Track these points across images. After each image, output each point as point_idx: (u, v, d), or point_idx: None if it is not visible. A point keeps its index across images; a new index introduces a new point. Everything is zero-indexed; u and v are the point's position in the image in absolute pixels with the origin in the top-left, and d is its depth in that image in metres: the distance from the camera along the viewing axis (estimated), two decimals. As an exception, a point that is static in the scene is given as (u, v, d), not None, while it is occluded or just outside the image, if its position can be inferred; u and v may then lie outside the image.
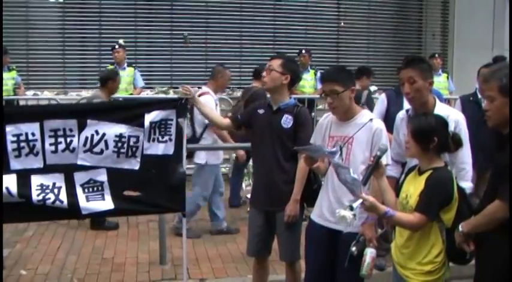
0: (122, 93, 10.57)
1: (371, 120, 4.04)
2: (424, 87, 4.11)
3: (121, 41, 12.40)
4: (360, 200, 3.39)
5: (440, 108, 4.23)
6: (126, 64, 10.94)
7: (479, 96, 6.42)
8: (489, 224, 3.29)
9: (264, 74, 4.69)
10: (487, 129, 3.95)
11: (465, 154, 4.14)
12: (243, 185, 9.47)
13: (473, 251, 3.47)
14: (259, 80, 7.38)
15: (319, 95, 4.14)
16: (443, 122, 3.65)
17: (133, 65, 11.11)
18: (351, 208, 3.36)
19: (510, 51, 8.15)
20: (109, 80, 7.41)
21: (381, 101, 5.98)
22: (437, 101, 4.29)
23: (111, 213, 4.84)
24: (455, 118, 4.15)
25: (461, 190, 3.62)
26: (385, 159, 3.89)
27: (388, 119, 5.22)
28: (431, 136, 3.52)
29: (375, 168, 3.58)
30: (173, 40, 13.05)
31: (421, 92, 4.12)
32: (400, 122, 4.43)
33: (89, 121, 4.51)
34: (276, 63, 4.64)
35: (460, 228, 3.41)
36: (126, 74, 10.85)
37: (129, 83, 10.89)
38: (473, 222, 3.40)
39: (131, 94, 10.72)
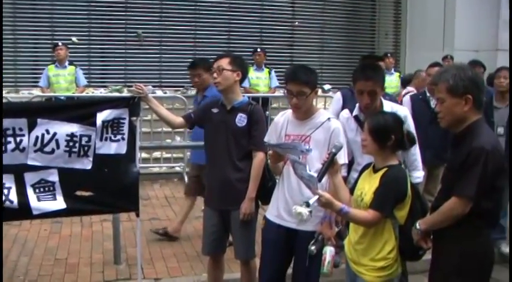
0: (64, 92, 10.44)
1: (329, 119, 4.08)
2: (380, 94, 4.29)
3: (74, 39, 12.26)
4: (316, 197, 3.43)
5: (387, 106, 4.40)
6: (67, 62, 10.79)
7: (428, 94, 6.57)
8: (447, 221, 3.37)
9: (215, 75, 4.63)
10: (435, 127, 4.09)
11: (415, 146, 4.34)
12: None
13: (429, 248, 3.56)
14: None
15: (283, 92, 4.17)
16: (399, 121, 3.73)
17: (74, 63, 10.96)
18: (307, 205, 3.40)
19: (510, 52, 8.29)
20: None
21: (337, 99, 6.05)
22: (382, 99, 4.45)
23: (63, 213, 4.75)
24: (404, 114, 4.37)
25: (414, 188, 3.70)
26: (343, 159, 3.95)
27: None
28: (388, 134, 3.59)
29: (330, 165, 3.62)
30: (127, 38, 12.96)
31: (378, 99, 4.35)
32: (346, 121, 4.53)
33: (39, 120, 4.43)
34: (225, 62, 4.61)
35: (418, 226, 3.48)
36: (67, 73, 10.73)
37: (71, 81, 10.75)
38: (431, 220, 3.48)
39: (73, 93, 10.58)
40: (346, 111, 4.68)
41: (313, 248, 3.89)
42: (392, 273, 3.61)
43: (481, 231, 3.41)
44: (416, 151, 4.58)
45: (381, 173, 3.60)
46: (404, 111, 4.58)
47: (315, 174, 3.55)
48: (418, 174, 4.65)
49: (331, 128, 4.03)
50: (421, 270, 4.20)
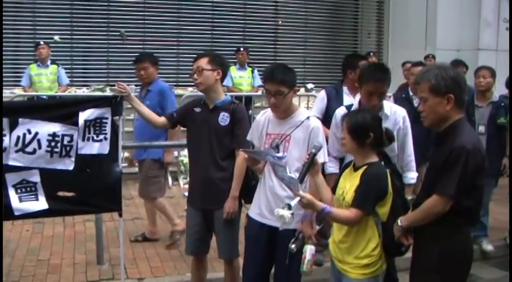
0: (46, 91, 10.39)
1: (308, 118, 4.10)
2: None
3: (56, 38, 12.17)
4: (298, 198, 3.44)
5: (387, 106, 4.50)
6: (49, 61, 10.74)
7: (411, 93, 6.62)
8: (427, 218, 3.42)
9: (195, 76, 4.62)
10: (418, 126, 4.14)
11: (411, 146, 4.48)
12: (181, 183, 9.48)
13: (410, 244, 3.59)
14: None
15: (262, 92, 4.18)
16: (377, 119, 3.77)
17: (57, 62, 10.90)
18: (289, 207, 3.41)
19: (510, 53, 8.35)
20: None
21: (321, 98, 6.06)
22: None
23: (45, 214, 4.72)
24: (403, 114, 4.55)
25: (395, 185, 3.72)
26: (322, 157, 3.97)
27: (328, 117, 5.32)
28: (367, 132, 3.62)
29: (310, 165, 3.64)
30: (110, 37, 12.88)
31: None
32: (341, 118, 4.56)
33: (20, 120, 4.38)
34: (204, 62, 4.61)
35: (399, 223, 3.53)
36: (50, 72, 10.70)
37: (53, 81, 10.71)
38: (412, 217, 3.52)
39: (56, 92, 10.52)
40: (342, 109, 4.72)
41: (293, 246, 3.91)
42: (376, 270, 3.64)
43: (460, 229, 3.45)
44: (411, 152, 4.67)
45: (361, 171, 3.62)
46: (403, 111, 4.64)
47: (295, 176, 3.56)
48: (413, 175, 4.73)
49: (310, 127, 4.05)
50: (404, 268, 4.23)
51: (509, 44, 10.10)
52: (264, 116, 4.28)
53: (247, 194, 4.54)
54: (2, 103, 4.45)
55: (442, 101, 3.38)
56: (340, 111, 4.71)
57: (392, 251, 3.70)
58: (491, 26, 13.31)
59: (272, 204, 4.06)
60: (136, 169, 10.02)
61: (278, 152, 4.01)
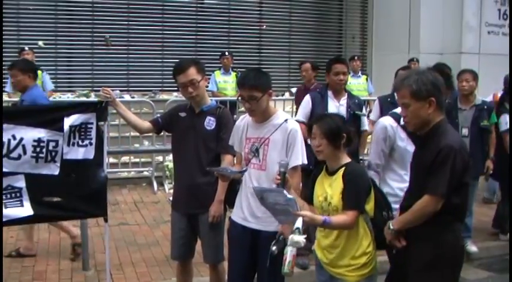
0: None
1: (286, 120, 4.12)
2: None
3: (41, 43, 12.12)
4: (301, 218, 3.46)
5: None
6: None
7: (397, 97, 6.65)
8: (420, 219, 3.47)
9: (191, 89, 4.54)
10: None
11: None
12: (166, 188, 9.48)
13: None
14: None
15: (237, 98, 4.15)
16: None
17: (41, 68, 10.83)
18: (299, 231, 3.41)
19: (510, 54, 8.40)
20: None
21: (306, 102, 6.07)
22: None
23: (30, 220, 4.72)
24: None
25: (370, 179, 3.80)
26: (300, 159, 4.01)
27: None
28: (340, 133, 3.68)
29: (283, 184, 3.66)
30: (94, 42, 12.86)
31: None
32: (395, 129, 4.55)
33: (5, 125, 4.38)
34: (194, 73, 4.55)
35: (391, 226, 3.57)
36: None
37: None
38: (404, 219, 3.56)
39: None
40: (391, 120, 4.65)
41: (274, 248, 3.92)
42: (372, 270, 3.69)
43: (450, 227, 3.50)
44: None
45: (340, 173, 3.66)
46: None
47: (293, 196, 3.56)
48: None
49: (288, 129, 4.07)
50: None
51: (509, 46, 10.20)
52: (243, 121, 4.30)
53: (232, 198, 4.54)
54: (1, 108, 4.44)
55: (424, 105, 3.45)
56: (391, 123, 4.63)
57: (384, 245, 3.74)
58: (474, 29, 13.45)
59: (253, 207, 4.09)
60: (122, 174, 10.11)
61: (258, 156, 4.07)
